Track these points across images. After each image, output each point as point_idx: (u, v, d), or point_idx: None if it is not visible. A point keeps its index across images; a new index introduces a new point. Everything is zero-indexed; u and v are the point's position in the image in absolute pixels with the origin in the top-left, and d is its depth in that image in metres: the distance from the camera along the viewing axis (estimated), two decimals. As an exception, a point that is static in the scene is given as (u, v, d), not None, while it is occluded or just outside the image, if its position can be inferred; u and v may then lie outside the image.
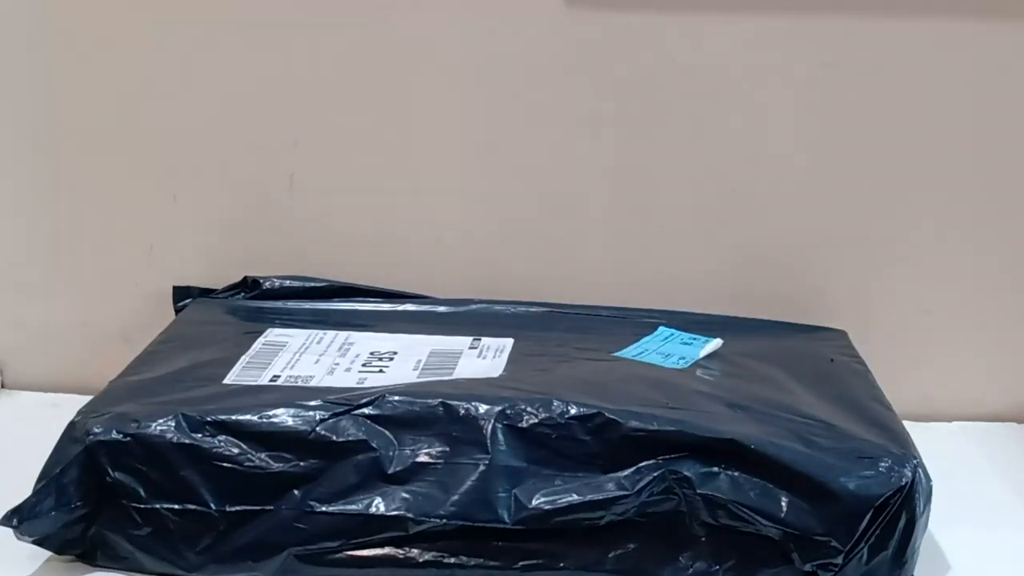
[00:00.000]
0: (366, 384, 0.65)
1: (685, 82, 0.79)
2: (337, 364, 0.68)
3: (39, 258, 0.82)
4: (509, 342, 0.72)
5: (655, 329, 0.75)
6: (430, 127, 0.80)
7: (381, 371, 0.67)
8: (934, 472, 0.61)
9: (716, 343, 0.72)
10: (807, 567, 0.59)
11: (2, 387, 0.83)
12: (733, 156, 0.80)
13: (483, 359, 0.69)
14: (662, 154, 0.80)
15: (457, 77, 0.79)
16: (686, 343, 0.73)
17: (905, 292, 0.82)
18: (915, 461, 0.60)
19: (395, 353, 0.70)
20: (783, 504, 0.59)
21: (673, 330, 0.75)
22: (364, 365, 0.68)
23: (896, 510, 0.59)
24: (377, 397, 0.62)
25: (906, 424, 0.66)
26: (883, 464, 0.60)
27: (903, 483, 0.59)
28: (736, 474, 0.60)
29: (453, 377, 0.66)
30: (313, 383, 0.65)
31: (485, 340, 0.72)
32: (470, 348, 0.71)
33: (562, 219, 0.82)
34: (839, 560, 0.59)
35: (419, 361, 0.69)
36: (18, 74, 0.79)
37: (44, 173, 0.81)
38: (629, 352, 0.71)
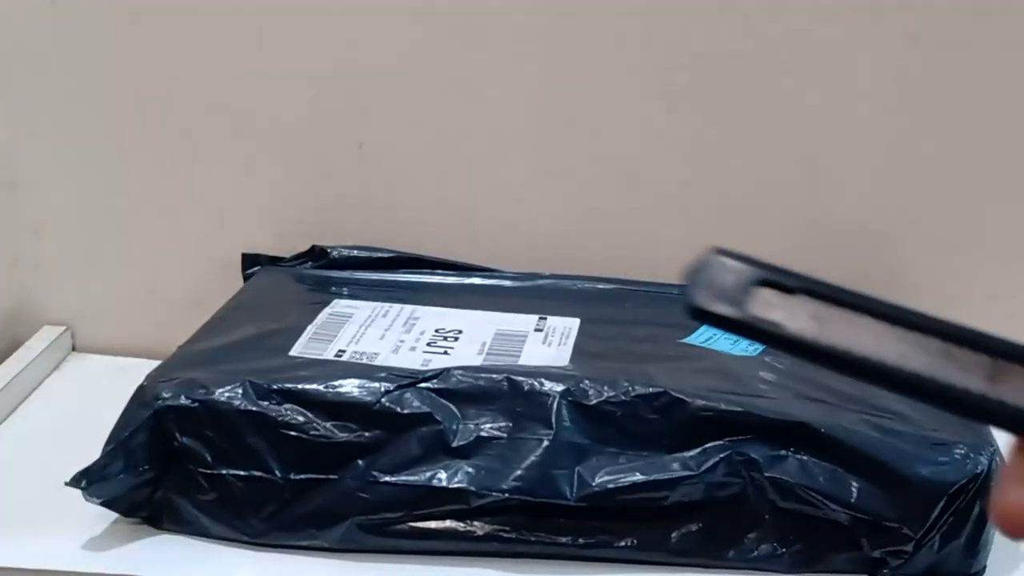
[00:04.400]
0: (431, 367, 0.64)
1: (762, 55, 0.77)
2: (402, 342, 0.67)
3: (109, 223, 0.83)
4: (575, 324, 0.70)
5: (725, 307, 0.74)
6: (502, 98, 0.79)
7: (446, 352, 0.66)
8: (1011, 461, 0.59)
9: (788, 324, 0.70)
10: (876, 554, 0.58)
11: (73, 350, 0.84)
12: (811, 131, 0.78)
13: (548, 346, 0.68)
14: (738, 128, 0.78)
15: (530, 48, 0.78)
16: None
17: (986, 276, 0.79)
18: (992, 449, 0.58)
19: (460, 332, 0.69)
20: (853, 489, 0.58)
21: (744, 308, 0.73)
22: (429, 344, 0.67)
23: (970, 499, 0.57)
24: (442, 370, 0.61)
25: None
26: (958, 451, 0.58)
27: (979, 471, 0.57)
28: (805, 458, 0.59)
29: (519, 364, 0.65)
30: (378, 361, 0.65)
31: (551, 320, 0.71)
32: (535, 330, 0.70)
33: (634, 193, 0.80)
34: (910, 548, 0.58)
35: (484, 344, 0.68)
36: (87, 41, 0.80)
37: (113, 139, 0.81)
38: (697, 338, 0.70)
